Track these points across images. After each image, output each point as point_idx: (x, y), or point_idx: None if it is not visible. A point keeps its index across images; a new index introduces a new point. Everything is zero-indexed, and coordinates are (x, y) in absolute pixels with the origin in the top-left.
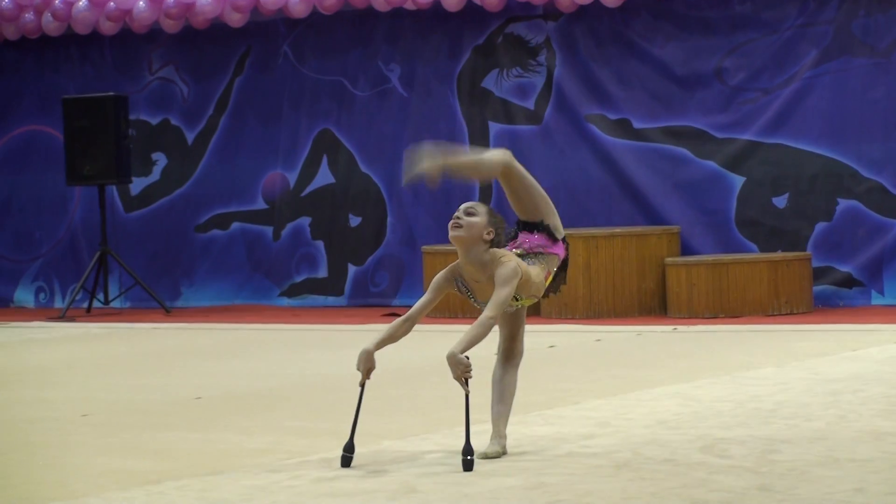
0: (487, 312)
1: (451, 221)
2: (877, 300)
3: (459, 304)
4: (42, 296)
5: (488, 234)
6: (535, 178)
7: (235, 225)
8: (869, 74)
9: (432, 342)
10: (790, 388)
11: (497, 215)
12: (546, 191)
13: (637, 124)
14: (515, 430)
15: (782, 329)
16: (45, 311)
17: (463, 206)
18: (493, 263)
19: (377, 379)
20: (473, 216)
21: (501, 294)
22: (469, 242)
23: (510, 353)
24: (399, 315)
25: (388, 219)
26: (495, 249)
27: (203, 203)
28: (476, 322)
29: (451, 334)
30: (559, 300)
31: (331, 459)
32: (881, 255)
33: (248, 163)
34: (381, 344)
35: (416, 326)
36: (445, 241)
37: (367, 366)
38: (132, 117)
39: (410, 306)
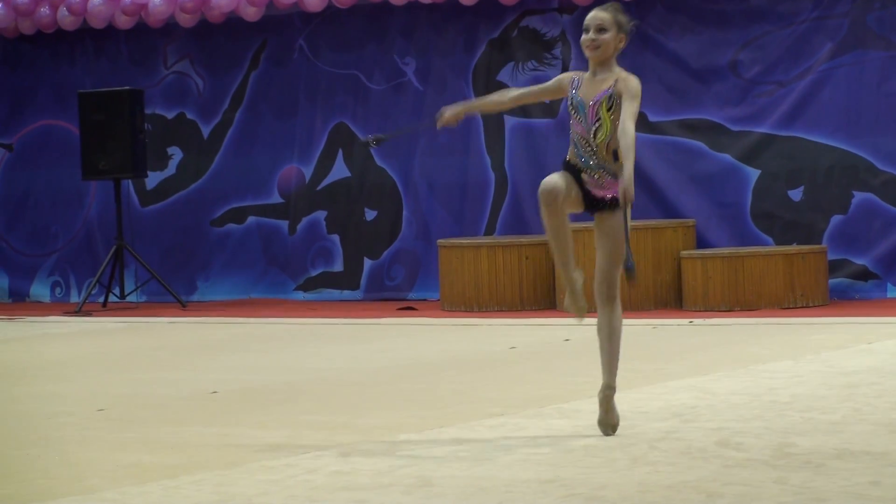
0: (627, 124)
1: (588, 42)
2: (892, 293)
3: (475, 299)
4: (58, 290)
5: (621, 42)
6: (551, 171)
7: (251, 219)
8: (884, 67)
9: (447, 336)
10: (806, 381)
11: (622, 15)
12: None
13: (652, 117)
14: (531, 423)
15: (798, 322)
16: (61, 306)
17: (592, 22)
18: (618, 72)
19: (393, 373)
20: (605, 32)
21: (634, 106)
22: (607, 58)
23: (607, 295)
24: (414, 310)
25: (404, 213)
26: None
27: (219, 197)
28: (624, 142)
29: (468, 328)
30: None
31: (347, 453)
32: None
33: (263, 157)
34: (478, 108)
35: (432, 321)
36: (460, 235)
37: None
38: (148, 111)
39: (426, 300)
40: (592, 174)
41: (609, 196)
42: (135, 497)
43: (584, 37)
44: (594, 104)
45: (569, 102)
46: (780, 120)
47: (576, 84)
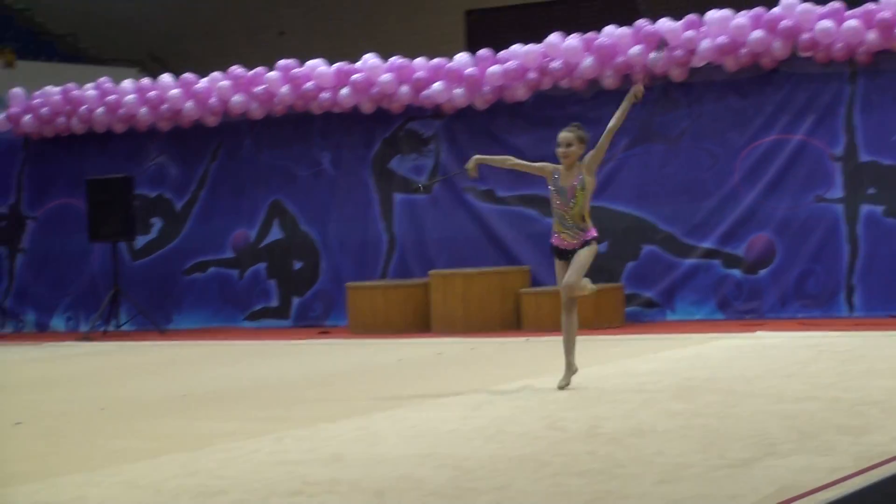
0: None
1: (561, 153)
2: (670, 317)
3: (373, 325)
4: (71, 322)
5: (581, 149)
6: (429, 235)
7: (212, 269)
8: (664, 156)
9: (354, 352)
10: (609, 380)
11: (581, 130)
12: (434, 243)
13: (500, 193)
14: (414, 413)
15: (604, 338)
16: (73, 334)
17: (563, 140)
18: (579, 164)
19: (314, 379)
20: (571, 146)
21: (592, 180)
22: (574, 161)
23: (570, 306)
24: (328, 335)
25: (322, 264)
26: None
27: (188, 254)
28: (613, 122)
29: (369, 346)
30: (445, 320)
31: (281, 438)
32: (673, 284)
33: (220, 224)
34: (488, 161)
35: (342, 341)
36: (364, 279)
37: (472, 163)
38: (137, 192)
39: (338, 326)
40: (570, 233)
41: (580, 243)
42: (127, 472)
43: (557, 150)
44: (572, 188)
45: (552, 188)
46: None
47: (556, 175)
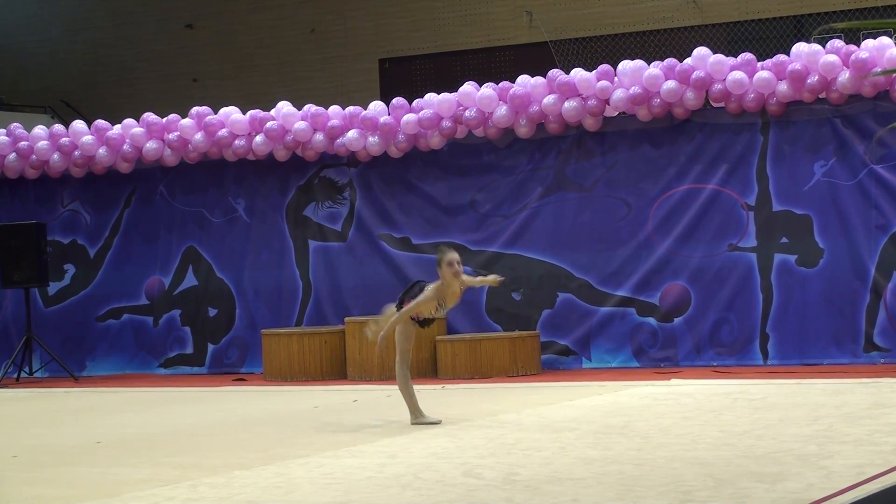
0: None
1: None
2: (586, 364)
3: (288, 372)
4: None
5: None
6: (344, 282)
7: (126, 316)
8: (578, 204)
9: (269, 399)
10: (526, 428)
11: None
12: (350, 290)
13: (415, 241)
14: (330, 461)
15: (519, 386)
16: None
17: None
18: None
19: (229, 426)
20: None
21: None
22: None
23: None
24: (245, 381)
25: (237, 310)
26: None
27: (102, 300)
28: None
29: (284, 393)
30: (360, 367)
31: (196, 485)
32: (589, 332)
33: (134, 271)
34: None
35: (257, 388)
36: (279, 326)
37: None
38: (49, 238)
39: (253, 373)
40: None
41: None
42: None
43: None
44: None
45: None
46: (505, 242)
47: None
